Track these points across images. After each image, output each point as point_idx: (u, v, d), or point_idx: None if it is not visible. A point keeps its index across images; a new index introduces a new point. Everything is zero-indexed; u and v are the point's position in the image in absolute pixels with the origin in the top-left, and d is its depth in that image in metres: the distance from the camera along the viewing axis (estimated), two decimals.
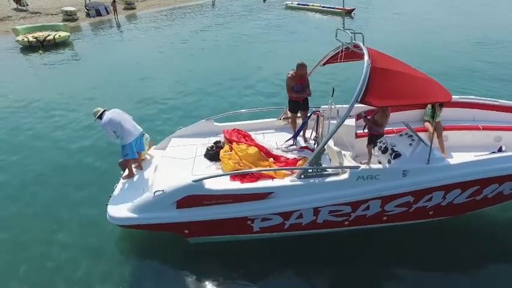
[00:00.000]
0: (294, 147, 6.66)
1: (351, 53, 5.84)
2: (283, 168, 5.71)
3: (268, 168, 5.75)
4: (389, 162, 5.51)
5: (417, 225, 6.10)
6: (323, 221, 5.68)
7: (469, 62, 15.67)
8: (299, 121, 7.13)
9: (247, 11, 32.23)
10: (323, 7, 31.34)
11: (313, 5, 32.25)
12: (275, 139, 6.90)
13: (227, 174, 5.61)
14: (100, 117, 6.36)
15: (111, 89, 13.61)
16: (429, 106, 7.43)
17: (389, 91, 4.90)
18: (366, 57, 5.08)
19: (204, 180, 5.18)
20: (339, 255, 5.87)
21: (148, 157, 7.11)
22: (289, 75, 6.66)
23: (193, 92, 12.92)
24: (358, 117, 7.00)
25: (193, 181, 5.15)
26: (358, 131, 6.96)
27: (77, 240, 6.28)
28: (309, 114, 6.68)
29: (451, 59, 16.02)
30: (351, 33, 5.62)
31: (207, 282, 5.47)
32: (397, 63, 5.55)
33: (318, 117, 6.48)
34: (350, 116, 6.62)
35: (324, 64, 6.85)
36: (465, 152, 6.54)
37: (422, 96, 5.08)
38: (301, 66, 6.58)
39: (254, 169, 5.66)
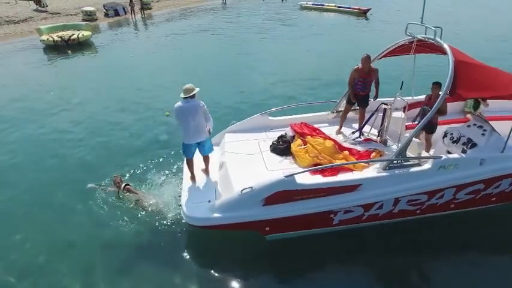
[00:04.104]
0: (360, 139, 6.82)
1: (424, 46, 6.03)
2: (373, 160, 5.86)
3: (356, 160, 5.85)
4: (463, 152, 5.69)
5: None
6: (398, 210, 5.84)
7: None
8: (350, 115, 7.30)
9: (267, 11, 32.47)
10: (338, 7, 31.52)
11: (328, 5, 32.41)
12: (331, 132, 7.03)
13: (320, 168, 5.56)
14: (191, 96, 5.66)
15: (143, 86, 13.83)
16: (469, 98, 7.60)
17: (476, 83, 5.10)
18: (449, 51, 5.27)
19: (295, 175, 5.15)
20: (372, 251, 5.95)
21: None
22: (356, 67, 6.80)
23: (233, 88, 13.14)
24: (410, 107, 7.07)
25: (286, 176, 5.06)
26: (407, 123, 7.10)
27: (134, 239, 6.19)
28: (377, 107, 6.81)
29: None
30: (426, 27, 5.81)
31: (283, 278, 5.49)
32: (469, 56, 5.74)
33: (385, 110, 6.63)
34: (397, 108, 6.85)
35: (384, 57, 7.04)
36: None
37: (510, 88, 5.24)
38: (365, 60, 6.65)
39: (346, 162, 5.76)
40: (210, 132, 6.11)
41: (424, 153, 6.03)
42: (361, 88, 6.98)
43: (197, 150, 6.15)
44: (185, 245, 6.02)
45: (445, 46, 5.39)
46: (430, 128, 6.41)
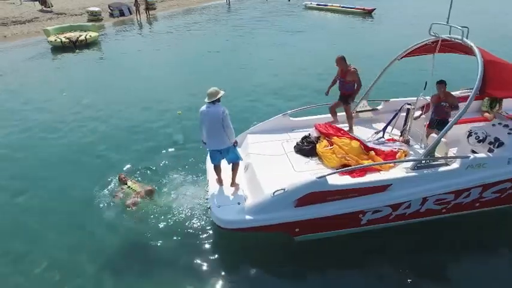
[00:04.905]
0: (383, 139, 6.86)
1: (447, 46, 6.08)
2: (403, 160, 5.92)
3: (385, 161, 5.90)
4: (490, 151, 5.73)
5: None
6: (425, 210, 5.88)
7: None
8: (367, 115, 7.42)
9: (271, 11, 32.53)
10: (343, 7, 31.55)
11: (332, 5, 32.46)
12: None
13: (352, 169, 5.58)
14: (214, 101, 5.43)
15: (152, 86, 13.89)
16: (486, 97, 7.65)
17: (505, 82, 5.14)
18: (477, 51, 5.32)
19: (327, 176, 5.17)
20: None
21: None
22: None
23: (245, 89, 13.20)
24: (427, 107, 7.06)
25: (318, 178, 5.06)
26: (425, 122, 7.15)
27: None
28: (400, 107, 6.85)
29: None
30: (451, 26, 5.86)
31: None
32: (495, 56, 5.79)
33: (408, 110, 6.68)
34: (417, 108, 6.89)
35: (405, 57, 7.11)
36: None
37: None
38: (338, 61, 7.00)
39: (377, 162, 5.82)
40: (233, 143, 5.80)
41: (450, 153, 6.06)
42: (340, 87, 7.23)
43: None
44: (205, 246, 6.00)
45: (474, 46, 5.43)
46: (443, 125, 6.48)
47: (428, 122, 6.75)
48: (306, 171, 5.86)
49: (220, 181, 6.12)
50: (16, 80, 15.00)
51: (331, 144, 6.36)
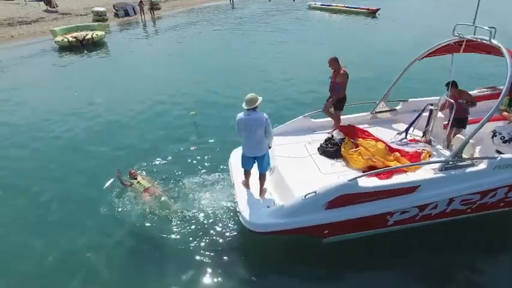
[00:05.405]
0: (405, 140, 6.89)
1: (471, 46, 6.12)
2: (432, 161, 5.91)
3: (412, 163, 5.91)
4: None
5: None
6: (451, 210, 5.91)
7: None
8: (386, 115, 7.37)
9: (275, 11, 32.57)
10: (347, 7, 31.57)
11: (336, 6, 32.48)
12: (377, 134, 7.05)
13: (384, 171, 5.58)
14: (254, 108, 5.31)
15: (162, 85, 13.92)
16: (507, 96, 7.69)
17: None
18: (506, 52, 5.37)
19: (358, 178, 5.19)
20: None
21: None
22: None
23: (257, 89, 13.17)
24: (443, 107, 7.11)
25: (349, 180, 5.07)
26: (444, 122, 7.16)
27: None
28: (423, 107, 6.87)
29: None
30: (477, 27, 5.89)
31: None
32: None
33: (431, 110, 6.71)
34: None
35: (426, 57, 7.12)
36: None
37: None
38: (330, 62, 6.94)
39: (404, 164, 5.85)
40: (269, 147, 5.82)
41: (475, 153, 6.07)
42: (330, 88, 7.13)
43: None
44: (226, 248, 6.00)
45: (502, 47, 5.47)
46: (461, 123, 6.55)
47: (446, 122, 6.79)
48: (333, 174, 5.90)
49: (247, 185, 6.09)
50: (24, 79, 15.06)
51: (357, 146, 6.36)
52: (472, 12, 5.88)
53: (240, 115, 5.47)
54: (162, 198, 6.84)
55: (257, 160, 5.70)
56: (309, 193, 5.17)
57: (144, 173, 7.73)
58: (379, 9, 29.62)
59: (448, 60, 6.58)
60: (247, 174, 6.04)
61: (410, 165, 5.74)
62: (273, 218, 5.37)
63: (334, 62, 6.95)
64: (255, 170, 5.94)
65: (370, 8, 29.91)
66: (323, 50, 18.26)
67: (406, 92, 8.91)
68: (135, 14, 29.79)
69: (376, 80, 12.17)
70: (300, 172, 6.05)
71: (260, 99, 5.37)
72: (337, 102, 7.17)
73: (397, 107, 8.03)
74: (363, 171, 5.82)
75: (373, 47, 18.33)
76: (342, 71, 6.92)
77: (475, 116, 6.76)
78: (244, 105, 5.34)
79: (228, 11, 33.68)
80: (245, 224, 5.52)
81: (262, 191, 5.93)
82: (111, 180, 7.56)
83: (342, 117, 7.67)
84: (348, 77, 7.01)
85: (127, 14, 29.54)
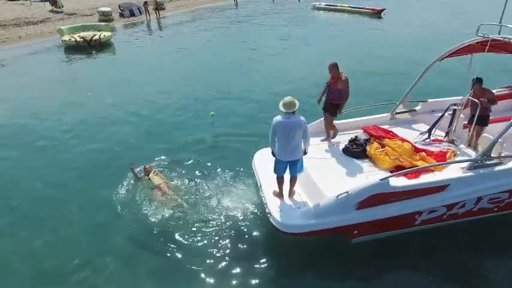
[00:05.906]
0: (428, 140, 6.93)
1: (494, 46, 6.18)
2: (461, 160, 5.96)
3: (440, 162, 5.94)
4: None
5: None
6: (478, 209, 5.96)
7: None
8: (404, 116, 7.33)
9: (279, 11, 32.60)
10: (352, 7, 31.64)
11: (341, 6, 32.56)
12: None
13: (415, 170, 5.61)
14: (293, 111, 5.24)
15: (176, 85, 13.96)
16: None
17: None
18: None
19: (390, 178, 5.23)
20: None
21: None
22: None
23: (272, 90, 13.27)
24: (465, 106, 7.08)
25: (380, 180, 5.12)
26: (464, 122, 7.18)
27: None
28: (447, 107, 6.90)
29: None
30: (502, 26, 5.96)
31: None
32: None
33: (454, 110, 6.75)
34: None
35: (448, 57, 7.17)
36: None
37: None
38: (330, 67, 6.75)
39: (432, 164, 5.89)
40: (305, 153, 5.73)
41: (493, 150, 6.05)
42: (328, 94, 6.98)
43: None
44: (252, 249, 6.01)
45: None
46: (483, 121, 6.58)
47: (466, 121, 6.86)
48: (361, 174, 5.95)
49: (281, 194, 5.92)
50: (35, 79, 15.06)
51: (383, 146, 6.39)
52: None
53: (278, 118, 5.34)
54: (173, 197, 6.87)
55: (290, 163, 5.63)
56: (341, 193, 5.20)
57: (161, 170, 7.77)
58: (384, 9, 29.71)
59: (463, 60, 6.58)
60: (280, 181, 5.85)
61: (439, 165, 5.78)
62: (304, 218, 5.41)
63: (334, 68, 6.74)
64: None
65: (375, 8, 29.97)
66: (333, 51, 18.39)
67: (421, 91, 8.92)
68: (141, 14, 29.79)
69: (381, 83, 12.17)
70: (327, 173, 6.09)
71: (298, 103, 5.28)
72: (335, 109, 7.01)
73: (417, 108, 8.07)
74: (390, 172, 5.87)
75: (376, 49, 18.36)
76: (343, 78, 6.74)
77: (495, 115, 6.83)
78: (282, 108, 5.25)
79: (232, 11, 33.74)
80: (276, 225, 5.51)
81: (291, 193, 5.94)
82: (127, 179, 7.55)
83: (362, 118, 7.71)
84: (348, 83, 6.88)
85: (132, 14, 29.52)
